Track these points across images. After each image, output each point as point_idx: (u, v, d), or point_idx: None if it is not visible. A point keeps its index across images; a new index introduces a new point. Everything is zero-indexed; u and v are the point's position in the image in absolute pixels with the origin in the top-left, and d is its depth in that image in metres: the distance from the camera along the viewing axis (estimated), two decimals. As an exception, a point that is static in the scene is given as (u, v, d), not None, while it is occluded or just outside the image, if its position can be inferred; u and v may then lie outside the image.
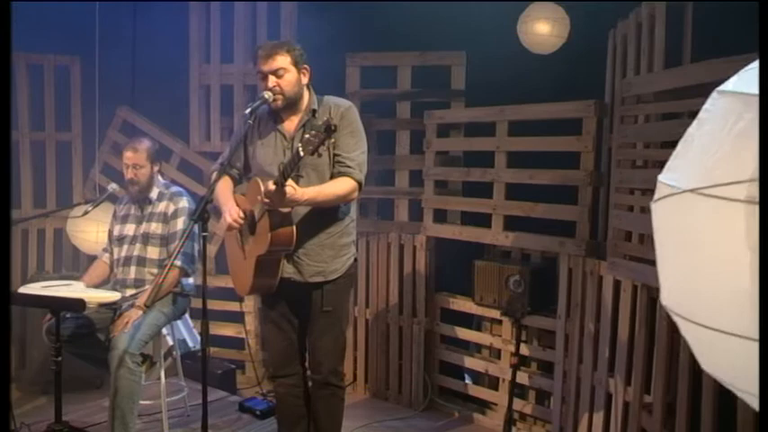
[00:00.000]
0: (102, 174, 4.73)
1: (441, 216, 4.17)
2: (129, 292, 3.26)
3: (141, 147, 3.34)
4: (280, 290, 2.67)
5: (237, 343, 4.63)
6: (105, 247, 3.54)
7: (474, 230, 3.97)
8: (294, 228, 2.50)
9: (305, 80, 2.65)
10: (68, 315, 3.20)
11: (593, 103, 3.40)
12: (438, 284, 4.23)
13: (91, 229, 4.37)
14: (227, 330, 4.60)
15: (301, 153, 2.23)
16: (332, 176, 2.61)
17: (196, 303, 3.54)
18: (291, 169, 2.32)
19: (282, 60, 2.57)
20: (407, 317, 4.19)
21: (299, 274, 2.65)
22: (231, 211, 2.57)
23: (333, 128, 2.19)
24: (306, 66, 2.64)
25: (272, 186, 2.33)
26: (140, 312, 3.08)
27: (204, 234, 2.22)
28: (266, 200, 2.37)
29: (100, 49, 4.45)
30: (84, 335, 3.25)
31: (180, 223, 3.29)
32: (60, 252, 4.76)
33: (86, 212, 3.40)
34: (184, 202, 3.35)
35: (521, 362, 3.89)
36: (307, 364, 2.89)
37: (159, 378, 3.37)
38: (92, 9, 4.45)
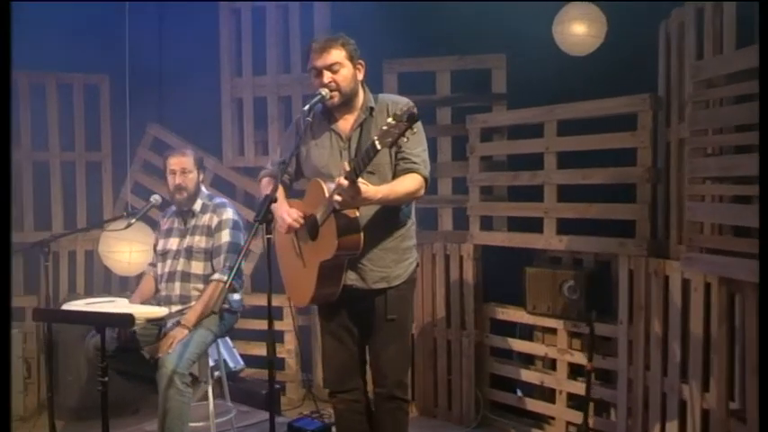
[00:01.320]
0: (133, 193, 4.63)
1: (486, 223, 4.02)
2: (175, 308, 3.13)
3: (188, 151, 3.24)
4: (339, 299, 2.52)
5: (277, 363, 4.46)
6: (152, 261, 3.41)
7: (524, 236, 3.81)
8: (361, 231, 2.36)
9: (360, 76, 2.53)
10: (112, 332, 3.06)
11: (647, 96, 3.27)
12: (485, 294, 4.07)
13: (123, 249, 4.24)
14: (266, 350, 4.43)
15: (378, 146, 2.10)
16: (396, 174, 2.48)
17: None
18: (365, 164, 2.19)
19: (337, 54, 2.45)
20: (456, 329, 4.02)
21: (361, 280, 2.51)
22: (288, 212, 2.44)
23: (415, 117, 2.05)
24: (361, 61, 2.52)
25: (344, 181, 2.20)
26: (185, 332, 2.95)
27: (269, 236, 2.08)
28: (338, 198, 2.23)
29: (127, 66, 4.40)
30: (129, 350, 3.11)
31: (225, 236, 3.16)
32: (92, 274, 4.64)
33: (129, 225, 3.28)
34: (229, 214, 3.22)
35: (575, 371, 3.74)
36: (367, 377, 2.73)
37: (206, 399, 3.21)
38: (120, 26, 4.40)
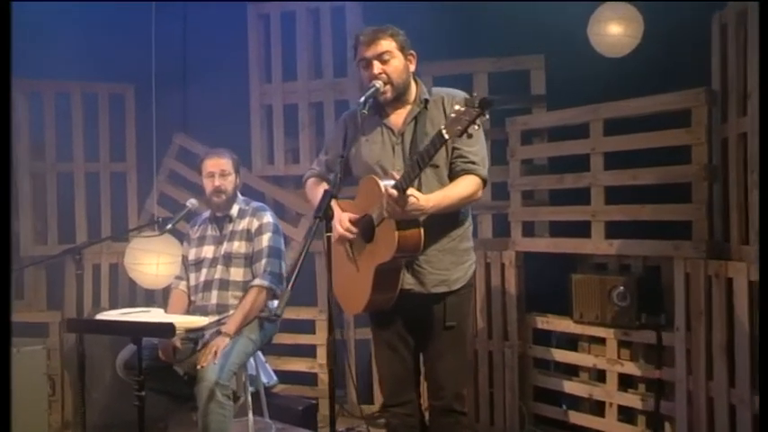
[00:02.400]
0: (159, 204, 4.51)
1: (527, 229, 3.87)
2: (212, 318, 2.97)
3: (227, 153, 3.10)
4: (394, 305, 2.37)
5: (309, 379, 4.31)
6: (180, 275, 3.26)
7: (571, 241, 3.66)
8: (422, 230, 2.20)
9: (412, 67, 2.40)
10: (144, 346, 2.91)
11: (702, 90, 3.14)
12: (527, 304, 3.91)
13: (150, 261, 4.11)
14: (299, 365, 4.29)
15: (446, 135, 1.96)
16: (450, 175, 2.34)
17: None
18: (430, 157, 2.04)
19: (387, 44, 2.32)
20: (498, 340, 3.85)
21: (420, 284, 2.35)
22: (341, 220, 2.29)
23: (490, 103, 1.91)
24: (412, 52, 2.39)
25: (393, 192, 2.06)
26: (227, 341, 2.79)
27: (328, 234, 1.94)
28: (386, 208, 2.09)
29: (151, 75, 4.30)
30: (161, 367, 2.95)
31: (265, 240, 3.01)
32: (116, 288, 4.51)
33: (165, 230, 3.14)
34: (269, 218, 3.08)
35: (624, 383, 3.56)
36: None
37: (242, 415, 3.05)
38: (145, 33, 4.32)
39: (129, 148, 4.52)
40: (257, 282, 2.95)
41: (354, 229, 2.29)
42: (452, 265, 2.38)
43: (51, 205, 4.39)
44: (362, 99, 2.24)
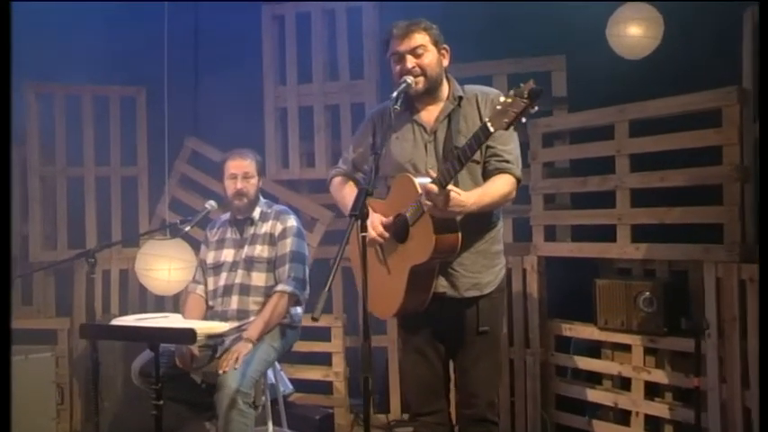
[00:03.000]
0: (171, 209, 4.42)
1: (548, 234, 3.79)
2: (231, 324, 2.87)
3: (250, 154, 3.02)
4: (425, 310, 2.28)
5: (324, 387, 4.21)
6: (197, 279, 3.17)
7: (595, 246, 3.57)
8: (459, 231, 2.12)
9: (445, 62, 2.33)
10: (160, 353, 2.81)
11: (734, 89, 3.05)
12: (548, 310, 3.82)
13: (162, 267, 4.01)
14: (314, 374, 4.18)
15: (491, 128, 1.88)
16: (484, 174, 2.25)
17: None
18: (473, 152, 1.96)
19: (421, 38, 2.25)
20: (519, 348, 3.75)
21: (452, 287, 2.27)
22: (372, 223, 2.20)
23: (539, 93, 1.82)
24: (445, 46, 2.32)
25: (434, 187, 1.97)
26: (250, 346, 2.70)
27: (363, 234, 1.85)
28: (427, 203, 2.01)
29: (162, 78, 4.24)
30: (178, 375, 2.85)
31: (289, 244, 2.92)
32: (126, 294, 4.42)
33: (185, 232, 3.06)
34: (293, 221, 2.99)
35: (651, 391, 3.46)
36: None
37: (266, 425, 2.95)
38: (157, 36, 4.26)
39: (140, 152, 4.44)
40: (280, 287, 2.86)
41: (386, 234, 2.21)
42: (484, 269, 2.30)
43: (61, 210, 4.31)
44: (394, 94, 2.16)
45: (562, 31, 3.81)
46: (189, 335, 2.35)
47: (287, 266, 2.91)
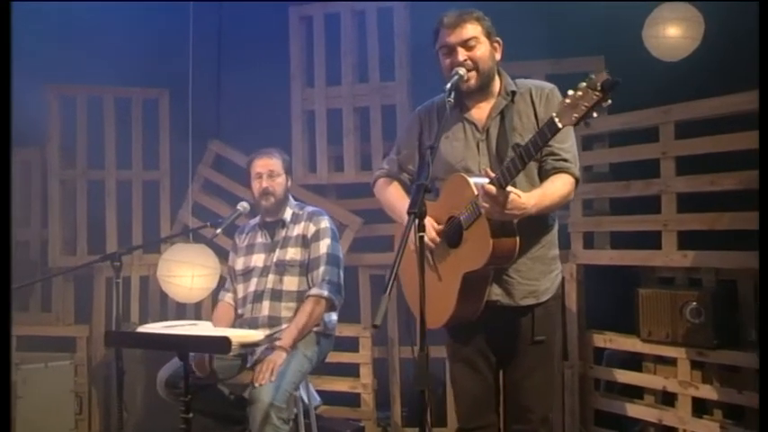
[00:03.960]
0: (193, 215, 4.30)
1: (587, 241, 3.64)
2: (264, 332, 2.73)
3: (276, 153, 2.90)
4: (477, 319, 2.13)
5: (350, 399, 4.06)
6: (226, 286, 3.04)
7: (637, 253, 3.42)
8: (518, 235, 1.98)
9: (498, 56, 2.19)
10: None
11: (790, 89, 2.90)
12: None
13: (185, 273, 3.88)
14: (340, 385, 4.03)
15: (559, 124, 1.74)
16: (540, 174, 2.12)
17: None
18: (537, 150, 1.83)
19: (473, 29, 2.12)
20: (557, 360, 3.59)
21: (507, 295, 2.13)
22: (426, 228, 2.06)
23: (614, 84, 1.69)
24: (498, 39, 2.19)
25: (492, 188, 1.84)
26: (284, 355, 2.56)
27: (421, 234, 1.71)
28: (485, 205, 1.87)
29: (185, 80, 4.14)
30: (206, 386, 2.72)
31: (323, 246, 2.79)
32: (146, 301, 4.30)
33: (215, 235, 2.93)
34: (326, 222, 2.86)
35: (698, 409, 3.30)
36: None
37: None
38: (181, 37, 4.16)
39: (162, 156, 4.33)
40: (315, 291, 2.73)
41: (438, 239, 2.08)
42: (541, 275, 2.16)
43: (81, 214, 4.21)
44: (448, 86, 2.03)
45: (602, 31, 3.68)
46: (223, 343, 2.21)
47: (321, 269, 2.77)
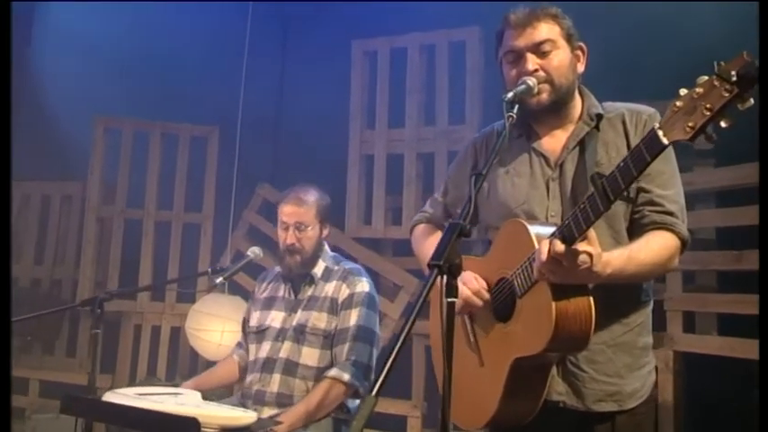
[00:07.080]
0: (234, 263, 3.92)
1: (688, 323, 2.99)
2: (268, 412, 2.19)
3: (309, 198, 2.38)
4: (533, 424, 1.53)
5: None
6: (240, 342, 2.56)
7: (754, 343, 2.71)
8: (593, 310, 1.39)
9: (581, 67, 1.65)
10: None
11: None
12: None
13: (215, 328, 3.54)
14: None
15: (664, 140, 1.20)
16: (632, 229, 1.55)
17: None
18: (628, 185, 1.26)
19: (549, 30, 1.59)
20: (645, 472, 2.89)
21: (576, 395, 1.53)
22: (467, 279, 1.54)
23: (754, 77, 1.12)
24: (581, 44, 1.65)
25: (558, 244, 1.30)
26: (280, 441, 2.01)
27: (450, 300, 1.15)
28: (540, 269, 1.34)
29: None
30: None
31: (355, 316, 2.24)
32: (176, 355, 3.91)
33: (217, 284, 2.48)
34: (365, 286, 2.31)
35: None
36: None
37: None
38: (236, 73, 3.90)
39: (207, 197, 4.03)
40: (334, 372, 2.17)
41: (487, 295, 1.52)
42: (626, 370, 1.55)
43: (114, 254, 3.94)
44: (510, 95, 1.49)
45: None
46: (191, 425, 1.71)
47: (347, 345, 2.22)
